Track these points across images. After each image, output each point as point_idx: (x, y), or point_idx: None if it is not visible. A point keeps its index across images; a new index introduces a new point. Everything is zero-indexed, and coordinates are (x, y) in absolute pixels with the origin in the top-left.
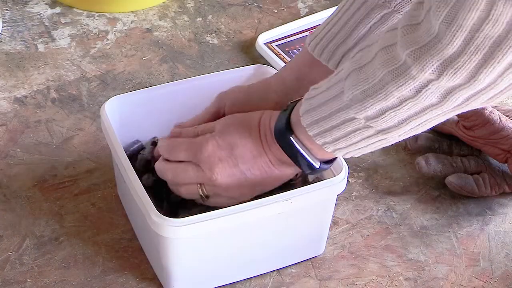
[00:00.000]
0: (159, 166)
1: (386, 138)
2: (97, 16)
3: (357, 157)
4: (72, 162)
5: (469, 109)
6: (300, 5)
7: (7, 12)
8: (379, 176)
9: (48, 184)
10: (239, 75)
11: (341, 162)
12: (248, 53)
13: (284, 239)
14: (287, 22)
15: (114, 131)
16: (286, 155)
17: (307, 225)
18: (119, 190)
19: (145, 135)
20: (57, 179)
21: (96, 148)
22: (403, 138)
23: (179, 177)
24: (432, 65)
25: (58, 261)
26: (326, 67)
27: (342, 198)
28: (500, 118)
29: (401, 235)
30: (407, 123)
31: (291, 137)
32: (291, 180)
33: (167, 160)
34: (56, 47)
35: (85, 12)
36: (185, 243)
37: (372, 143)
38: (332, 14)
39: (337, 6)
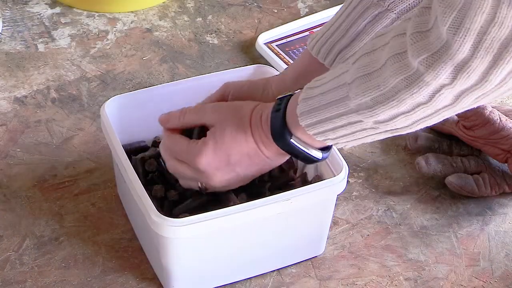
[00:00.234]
0: (165, 159)
1: (393, 134)
2: (97, 16)
3: (357, 157)
4: (72, 162)
5: (477, 106)
6: (300, 5)
7: (7, 12)
8: (379, 176)
9: (48, 184)
10: (239, 75)
11: (341, 162)
12: (248, 53)
13: (284, 239)
14: (287, 22)
15: (114, 131)
16: (284, 152)
17: (307, 225)
18: (119, 190)
19: (145, 135)
20: (57, 179)
21: (96, 148)
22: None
23: (179, 174)
24: (446, 71)
25: (58, 261)
26: (324, 70)
27: (342, 198)
28: (500, 118)
29: (401, 235)
30: (418, 124)
31: (291, 140)
32: (291, 180)
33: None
34: (56, 47)
35: (85, 12)
36: (185, 243)
37: (377, 137)
38: (334, 14)
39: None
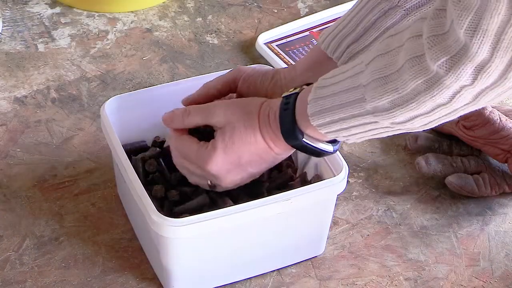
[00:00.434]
0: (174, 159)
1: (407, 131)
2: (97, 16)
3: (357, 157)
4: (72, 162)
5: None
6: (300, 5)
7: (7, 12)
8: (379, 176)
9: (48, 184)
10: None
11: (341, 162)
12: (248, 53)
13: (284, 239)
14: (287, 22)
15: (114, 131)
16: (294, 148)
17: (307, 225)
18: (119, 190)
19: (145, 135)
20: (57, 179)
21: (96, 148)
22: None
23: (188, 173)
24: (466, 72)
25: (58, 261)
26: (333, 64)
27: (342, 198)
28: (500, 118)
29: (401, 235)
30: (435, 123)
31: (303, 139)
32: (290, 180)
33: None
34: (56, 47)
35: (85, 12)
36: (185, 243)
37: (389, 134)
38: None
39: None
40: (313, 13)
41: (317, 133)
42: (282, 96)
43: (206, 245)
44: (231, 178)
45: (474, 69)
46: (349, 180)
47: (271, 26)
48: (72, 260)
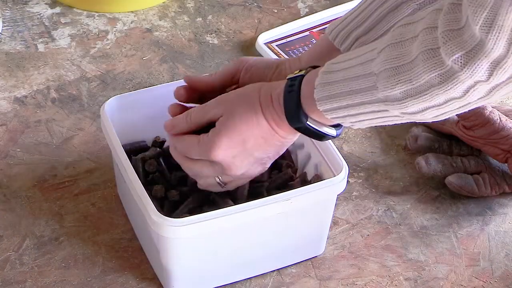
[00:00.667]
0: (179, 162)
1: (417, 121)
2: (97, 16)
3: (357, 157)
4: (72, 162)
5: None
6: (300, 5)
7: (7, 12)
8: (379, 176)
9: (48, 184)
10: None
11: (341, 162)
12: (248, 53)
13: (284, 239)
14: (287, 22)
15: (114, 131)
16: (297, 130)
17: (307, 225)
18: (119, 190)
19: (145, 135)
20: (57, 179)
21: (96, 148)
22: None
23: (196, 174)
24: (482, 68)
25: (58, 261)
26: (334, 51)
27: (342, 198)
28: (500, 118)
29: (401, 235)
30: (447, 115)
31: (307, 122)
32: (290, 179)
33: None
34: (56, 47)
35: (85, 12)
36: (185, 243)
37: (398, 122)
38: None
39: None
40: (313, 13)
41: (322, 117)
42: (287, 78)
43: (206, 245)
44: (239, 165)
45: (489, 65)
46: (349, 180)
47: (271, 26)
48: (72, 260)
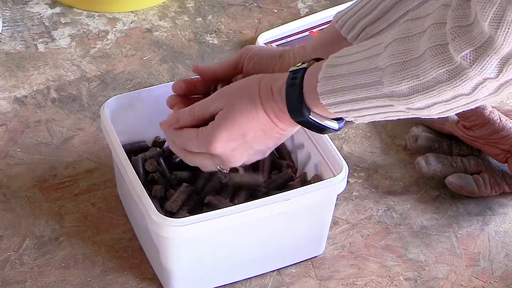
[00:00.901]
0: (179, 156)
1: (422, 117)
2: (97, 16)
3: (357, 157)
4: (72, 162)
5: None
6: (300, 5)
7: (7, 12)
8: (379, 176)
9: (48, 184)
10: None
11: (341, 162)
12: None
13: (284, 239)
14: (287, 22)
15: (114, 131)
16: (299, 124)
17: (307, 225)
18: (119, 190)
19: (145, 135)
20: (57, 179)
21: (96, 148)
22: None
23: (198, 165)
24: (491, 65)
25: (58, 261)
26: (346, 44)
27: (342, 198)
28: (500, 118)
29: (401, 235)
30: (453, 111)
31: (310, 116)
32: (290, 180)
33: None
34: (56, 47)
35: (85, 12)
36: (185, 243)
37: (402, 117)
38: None
39: None
40: (313, 13)
41: (324, 111)
42: (290, 70)
43: (206, 245)
44: (238, 157)
45: (499, 62)
46: (349, 180)
47: (271, 26)
48: (72, 260)
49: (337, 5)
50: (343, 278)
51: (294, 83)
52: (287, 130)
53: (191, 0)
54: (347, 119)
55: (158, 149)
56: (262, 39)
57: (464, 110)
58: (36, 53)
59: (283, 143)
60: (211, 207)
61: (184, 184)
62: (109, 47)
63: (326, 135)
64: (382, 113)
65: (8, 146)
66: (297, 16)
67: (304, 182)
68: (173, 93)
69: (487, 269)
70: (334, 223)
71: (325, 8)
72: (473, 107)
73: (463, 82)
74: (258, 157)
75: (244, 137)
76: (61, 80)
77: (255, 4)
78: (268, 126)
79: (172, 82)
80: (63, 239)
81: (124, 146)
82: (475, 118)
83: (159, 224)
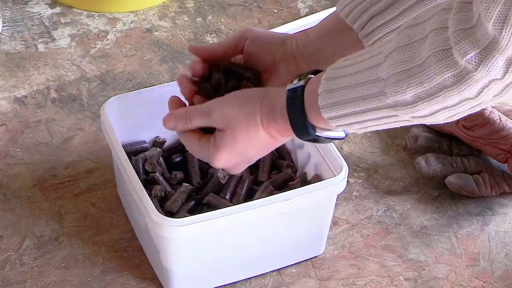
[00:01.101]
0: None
1: (426, 124)
2: (97, 16)
3: (357, 157)
4: (72, 162)
5: None
6: (300, 5)
7: (7, 12)
8: (379, 176)
9: (48, 184)
10: None
11: (341, 162)
12: None
13: (284, 239)
14: (287, 22)
15: (114, 131)
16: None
17: (307, 225)
18: (119, 190)
19: (145, 135)
20: (57, 179)
21: (96, 148)
22: None
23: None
24: (497, 66)
25: (58, 261)
26: (350, 34)
27: (342, 198)
28: (500, 118)
29: (401, 235)
30: (460, 115)
31: (316, 133)
32: (290, 180)
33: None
34: (56, 47)
35: (85, 12)
36: (185, 243)
37: (404, 125)
38: None
39: None
40: (313, 13)
41: (327, 124)
42: (287, 89)
43: (206, 245)
44: (240, 168)
45: (504, 62)
46: (349, 180)
47: (271, 26)
48: (72, 260)
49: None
50: (343, 278)
51: (295, 103)
52: (282, 141)
53: (191, 0)
54: (350, 131)
55: (158, 149)
56: None
57: (469, 114)
58: (36, 53)
59: (283, 144)
60: (211, 207)
61: (184, 184)
62: (109, 47)
63: None
64: (385, 123)
65: (8, 146)
66: (297, 16)
67: (304, 182)
68: (174, 96)
69: (487, 269)
70: (334, 223)
71: (325, 8)
72: (478, 110)
73: (469, 85)
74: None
75: (246, 155)
76: (61, 80)
77: (255, 4)
78: (270, 143)
79: (172, 82)
80: (63, 239)
81: (124, 146)
82: (475, 118)
83: (159, 224)
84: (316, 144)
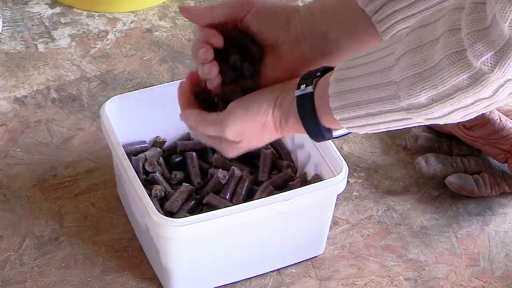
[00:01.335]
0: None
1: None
2: (97, 16)
3: (357, 157)
4: (72, 162)
5: None
6: (300, 5)
7: (7, 12)
8: (379, 176)
9: (48, 184)
10: None
11: (341, 162)
12: None
13: (284, 239)
14: None
15: (114, 131)
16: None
17: (307, 225)
18: (119, 190)
19: (145, 135)
20: (57, 179)
21: (96, 148)
22: None
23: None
24: None
25: (58, 261)
26: (355, 11)
27: (342, 198)
28: (500, 118)
29: (401, 235)
30: (474, 114)
31: (330, 134)
32: (290, 180)
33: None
34: (56, 47)
35: (85, 12)
36: (185, 243)
37: (414, 125)
38: None
39: None
40: None
41: (337, 124)
42: (296, 95)
43: (206, 245)
44: (249, 145)
45: None
46: (349, 180)
47: None
48: (72, 260)
49: None
50: (343, 278)
51: (306, 109)
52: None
53: (191, 0)
54: (360, 133)
55: (158, 149)
56: None
57: (483, 112)
58: (36, 53)
59: (283, 144)
60: (211, 207)
61: (184, 184)
62: (109, 47)
63: None
64: (398, 126)
65: (8, 146)
66: None
67: (304, 182)
68: (177, 94)
69: (487, 269)
70: (334, 223)
71: None
72: (492, 109)
73: (484, 86)
74: None
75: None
76: (61, 80)
77: None
78: (276, 137)
79: (172, 82)
80: (63, 239)
81: (124, 146)
82: (475, 118)
83: (159, 224)
84: (316, 144)
